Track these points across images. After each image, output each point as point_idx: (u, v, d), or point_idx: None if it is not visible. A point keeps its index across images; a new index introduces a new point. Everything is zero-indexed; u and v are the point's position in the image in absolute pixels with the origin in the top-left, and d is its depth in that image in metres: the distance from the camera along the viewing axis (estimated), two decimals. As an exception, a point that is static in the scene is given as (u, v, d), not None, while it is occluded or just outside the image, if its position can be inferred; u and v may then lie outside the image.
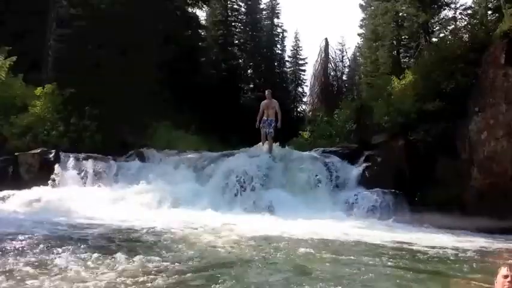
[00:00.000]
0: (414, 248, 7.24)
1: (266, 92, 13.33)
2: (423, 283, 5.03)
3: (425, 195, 11.19)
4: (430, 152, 11.80)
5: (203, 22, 31.93)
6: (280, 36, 40.05)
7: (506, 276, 2.21)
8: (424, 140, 12.07)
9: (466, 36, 15.71)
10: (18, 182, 11.67)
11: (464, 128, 11.76)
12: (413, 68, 16.69)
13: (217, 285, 4.58)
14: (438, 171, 11.53)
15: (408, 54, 25.83)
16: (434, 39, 21.78)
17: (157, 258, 5.62)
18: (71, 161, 12.47)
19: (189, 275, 5.00)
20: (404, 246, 7.36)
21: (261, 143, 13.04)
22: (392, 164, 12.03)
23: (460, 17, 22.54)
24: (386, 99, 14.84)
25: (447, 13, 23.14)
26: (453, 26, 21.82)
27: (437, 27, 23.70)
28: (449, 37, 18.58)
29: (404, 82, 15.21)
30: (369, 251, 6.71)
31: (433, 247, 7.20)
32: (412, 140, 12.31)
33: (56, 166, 12.23)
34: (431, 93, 13.06)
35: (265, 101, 12.95)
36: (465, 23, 19.42)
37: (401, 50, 26.60)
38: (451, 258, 6.52)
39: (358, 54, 35.53)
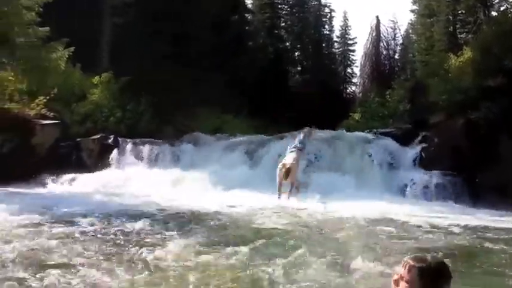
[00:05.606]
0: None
1: None
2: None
3: (486, 176, 10.67)
4: (492, 131, 11.18)
5: (249, 6, 31.78)
6: (328, 17, 39.16)
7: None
8: (485, 118, 11.44)
9: (529, 8, 14.71)
10: (81, 166, 12.40)
11: (530, 105, 11.05)
12: (472, 44, 15.84)
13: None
14: (501, 151, 10.93)
15: (466, 30, 24.43)
16: (494, 13, 20.50)
17: (217, 235, 5.81)
18: (129, 146, 13.03)
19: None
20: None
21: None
22: (450, 144, 11.52)
23: (522, -13, 20.99)
24: (443, 77, 14.22)
25: (508, -16, 21.61)
26: (515, -2, 20.38)
27: (497, 0, 22.24)
28: (511, 10, 17.42)
29: (462, 59, 14.50)
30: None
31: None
32: (473, 118, 11.72)
33: (115, 151, 12.83)
34: (492, 70, 12.36)
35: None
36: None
37: (457, 26, 25.21)
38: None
39: (411, 31, 34.08)
